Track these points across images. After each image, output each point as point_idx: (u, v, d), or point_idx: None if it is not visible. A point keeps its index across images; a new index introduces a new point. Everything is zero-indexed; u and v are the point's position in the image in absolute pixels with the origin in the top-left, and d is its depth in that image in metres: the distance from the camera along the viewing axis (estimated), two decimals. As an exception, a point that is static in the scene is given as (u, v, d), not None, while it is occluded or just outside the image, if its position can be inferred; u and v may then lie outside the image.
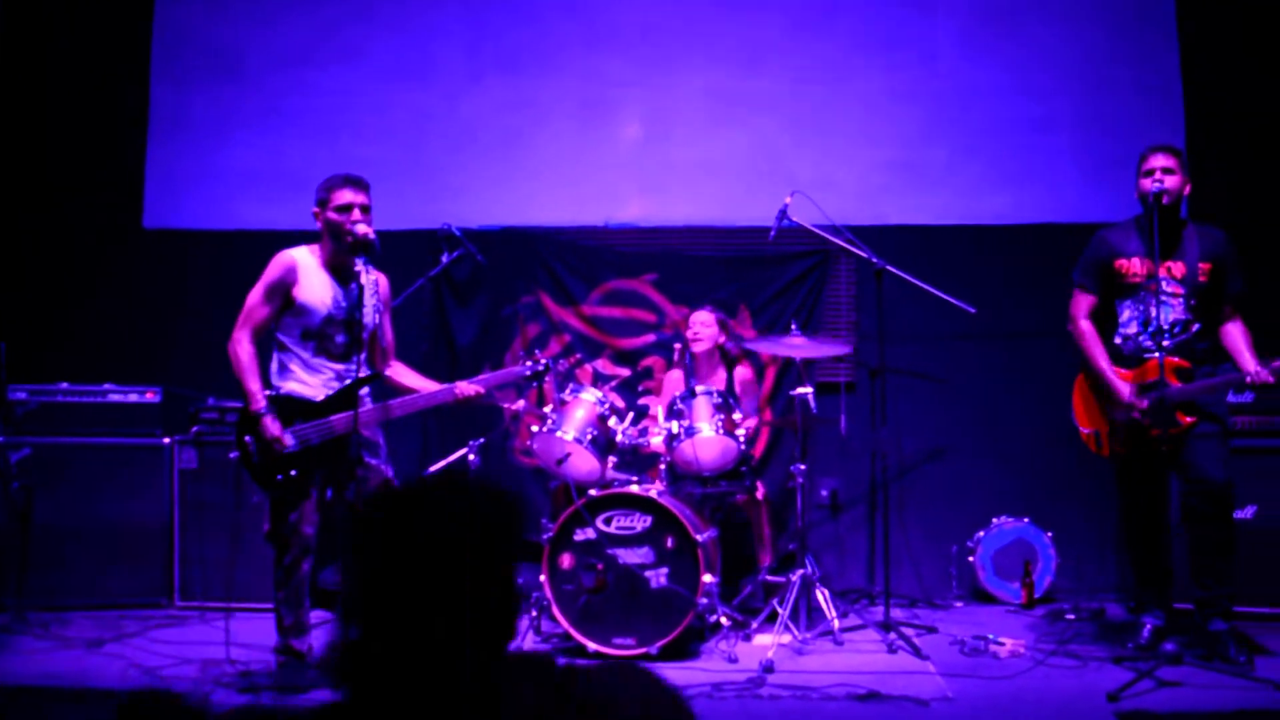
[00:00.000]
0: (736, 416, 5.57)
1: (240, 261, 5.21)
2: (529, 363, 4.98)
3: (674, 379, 6.43)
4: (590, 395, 5.49)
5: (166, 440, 6.19)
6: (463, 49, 7.30)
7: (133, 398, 6.24)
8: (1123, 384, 4.87)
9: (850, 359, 6.77)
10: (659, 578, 5.04)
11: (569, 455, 5.34)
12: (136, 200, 7.33)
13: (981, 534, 6.40)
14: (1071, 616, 5.80)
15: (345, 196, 4.52)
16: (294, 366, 4.59)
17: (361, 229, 4.46)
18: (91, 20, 7.40)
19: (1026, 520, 6.35)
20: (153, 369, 6.58)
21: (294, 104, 7.31)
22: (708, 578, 5.02)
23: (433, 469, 6.30)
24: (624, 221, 7.14)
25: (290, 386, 4.56)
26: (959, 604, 6.38)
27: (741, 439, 5.52)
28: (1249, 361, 4.73)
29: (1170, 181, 4.79)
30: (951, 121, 6.99)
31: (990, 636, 5.16)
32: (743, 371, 6.35)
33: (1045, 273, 6.05)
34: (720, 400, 5.54)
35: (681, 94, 7.16)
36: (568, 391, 5.51)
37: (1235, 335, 4.88)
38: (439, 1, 7.35)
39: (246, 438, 4.51)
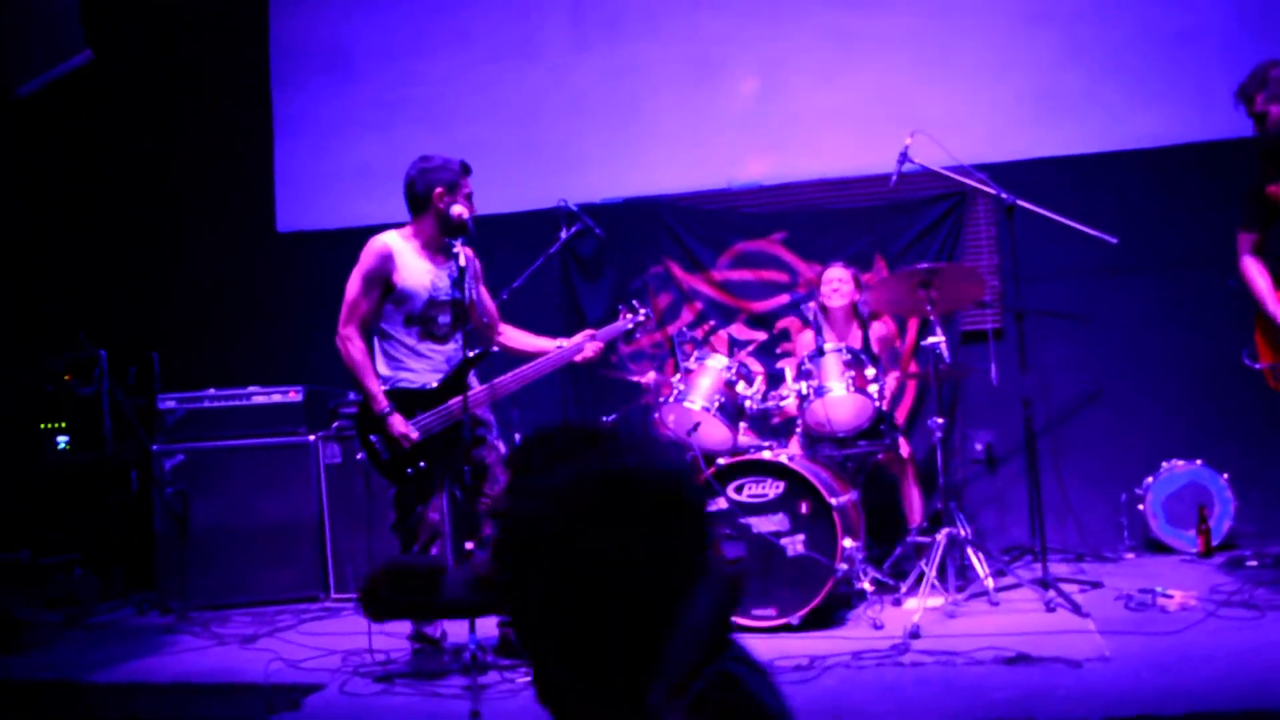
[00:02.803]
0: (870, 373, 5.30)
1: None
2: (629, 315, 4.91)
3: (806, 340, 6.19)
4: (716, 362, 5.31)
5: (311, 437, 6.28)
6: (565, 21, 7.21)
7: (276, 398, 6.35)
8: None
9: (996, 304, 6.42)
10: (795, 545, 4.84)
11: (699, 425, 5.19)
12: (269, 205, 7.48)
13: (1150, 480, 5.97)
14: (1254, 563, 5.36)
15: (469, 186, 4.61)
16: (400, 356, 4.56)
17: (459, 210, 4.48)
18: (212, 30, 7.57)
19: (1199, 462, 5.90)
20: (294, 369, 6.69)
21: (404, 95, 7.35)
22: (848, 542, 4.80)
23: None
24: (747, 181, 6.92)
25: (402, 377, 4.55)
26: (1130, 555, 6.00)
27: (876, 396, 5.27)
28: None
29: None
30: (1088, 42, 6.53)
31: (1158, 589, 4.78)
32: (880, 327, 6.06)
33: (1196, 195, 5.62)
34: (850, 357, 5.28)
35: (795, 41, 6.90)
36: (693, 359, 5.36)
37: None
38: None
39: (372, 436, 4.51)
